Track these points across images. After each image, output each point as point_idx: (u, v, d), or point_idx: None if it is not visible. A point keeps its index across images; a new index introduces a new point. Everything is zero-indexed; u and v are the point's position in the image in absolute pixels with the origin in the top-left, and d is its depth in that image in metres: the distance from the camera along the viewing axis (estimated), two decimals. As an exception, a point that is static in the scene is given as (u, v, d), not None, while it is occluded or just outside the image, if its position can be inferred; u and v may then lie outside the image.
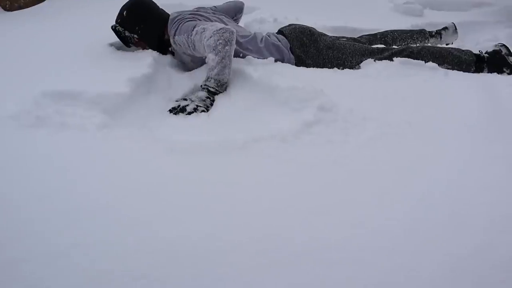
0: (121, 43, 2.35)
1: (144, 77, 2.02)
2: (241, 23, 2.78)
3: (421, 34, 2.78)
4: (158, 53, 2.28)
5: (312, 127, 1.58)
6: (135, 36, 2.26)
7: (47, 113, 1.68)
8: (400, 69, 2.16)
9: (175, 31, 2.17)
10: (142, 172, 1.40)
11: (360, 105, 1.77)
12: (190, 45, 2.10)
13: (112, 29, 2.27)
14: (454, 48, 2.45)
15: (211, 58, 1.93)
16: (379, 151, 1.50)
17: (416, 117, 1.73)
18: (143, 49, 2.31)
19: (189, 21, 2.17)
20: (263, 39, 2.32)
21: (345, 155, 1.46)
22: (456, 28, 2.84)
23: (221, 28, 1.94)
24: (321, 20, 2.92)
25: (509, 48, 2.44)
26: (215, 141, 1.51)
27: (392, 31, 2.74)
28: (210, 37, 1.93)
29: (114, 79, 1.94)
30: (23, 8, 3.46)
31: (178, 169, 1.40)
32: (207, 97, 1.90)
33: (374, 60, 2.27)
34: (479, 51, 2.47)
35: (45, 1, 3.53)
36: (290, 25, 2.53)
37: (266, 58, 2.21)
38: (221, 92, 1.96)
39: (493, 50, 2.46)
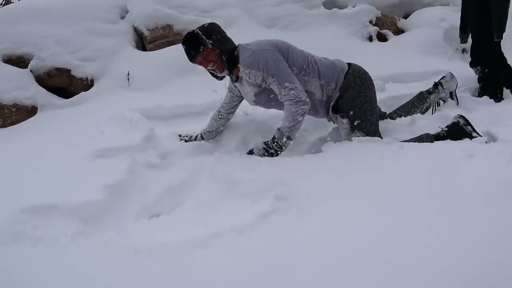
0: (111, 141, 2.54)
1: (119, 183, 2.17)
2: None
3: (420, 97, 3.01)
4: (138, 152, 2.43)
5: (268, 217, 1.68)
6: (210, 42, 2.40)
7: (24, 228, 1.79)
8: (358, 148, 2.32)
9: (260, 66, 2.37)
10: (110, 277, 1.49)
11: (317, 188, 1.89)
12: (278, 92, 2.38)
13: (190, 33, 2.44)
14: (416, 139, 2.54)
15: (287, 120, 2.36)
16: (332, 233, 1.59)
17: (372, 193, 1.84)
18: (206, 66, 2.46)
19: (284, 66, 2.39)
20: (317, 61, 2.55)
21: (299, 241, 1.55)
22: (452, 74, 3.12)
23: (302, 100, 2.34)
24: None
25: (467, 118, 2.61)
26: (179, 240, 1.61)
27: (395, 110, 2.95)
28: (292, 102, 2.34)
29: (91, 188, 2.09)
30: (15, 124, 3.70)
31: (143, 270, 1.49)
32: (263, 154, 2.39)
33: (334, 142, 2.43)
34: (439, 127, 2.63)
35: (35, 116, 3.78)
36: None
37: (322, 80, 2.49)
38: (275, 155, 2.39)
39: (452, 123, 2.62)
